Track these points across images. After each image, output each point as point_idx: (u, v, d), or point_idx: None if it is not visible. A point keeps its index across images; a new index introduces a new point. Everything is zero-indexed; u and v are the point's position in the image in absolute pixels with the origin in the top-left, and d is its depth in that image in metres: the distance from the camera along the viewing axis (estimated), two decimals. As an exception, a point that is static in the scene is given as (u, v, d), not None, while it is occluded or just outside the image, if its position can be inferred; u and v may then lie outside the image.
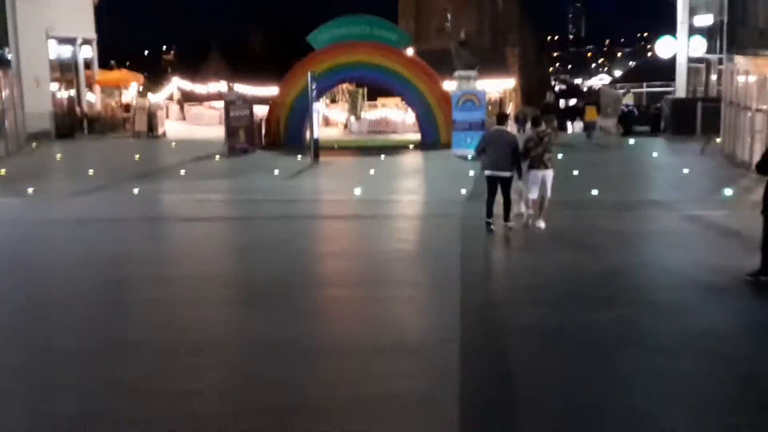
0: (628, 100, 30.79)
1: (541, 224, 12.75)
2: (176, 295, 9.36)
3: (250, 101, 27.46)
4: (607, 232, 12.95)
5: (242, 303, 9.03)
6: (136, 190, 18.30)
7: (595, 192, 16.42)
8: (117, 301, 9.17)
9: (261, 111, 29.69)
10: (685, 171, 20.24)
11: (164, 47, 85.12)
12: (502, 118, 13.91)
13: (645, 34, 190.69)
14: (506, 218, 12.64)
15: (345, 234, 13.73)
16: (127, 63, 42.62)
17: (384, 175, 20.67)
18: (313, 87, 24.04)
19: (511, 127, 34.08)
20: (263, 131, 28.85)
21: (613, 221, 13.93)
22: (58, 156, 26.70)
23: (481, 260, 10.98)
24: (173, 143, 31.18)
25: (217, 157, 25.61)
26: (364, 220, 14.75)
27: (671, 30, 34.95)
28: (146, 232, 13.94)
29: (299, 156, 24.53)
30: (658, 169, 22.09)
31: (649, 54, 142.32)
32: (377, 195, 17.20)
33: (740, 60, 21.15)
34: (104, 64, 39.61)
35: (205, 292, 9.49)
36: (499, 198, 12.71)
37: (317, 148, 24.08)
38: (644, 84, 37.63)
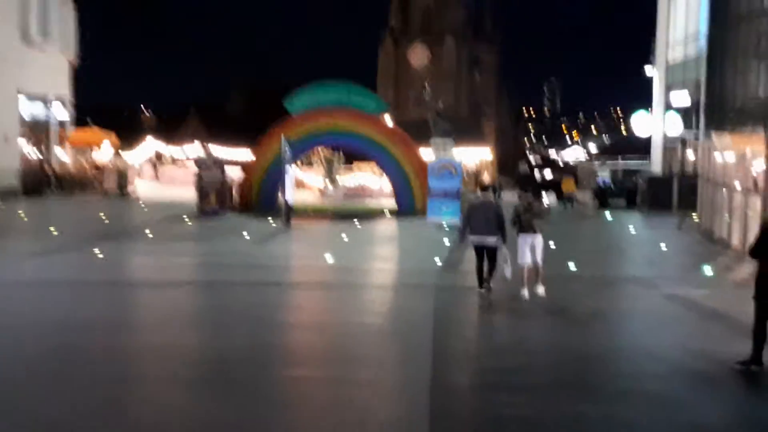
0: (604, 174, 30.68)
1: (540, 290, 12.47)
2: (122, 370, 8.52)
3: (221, 163, 26.93)
4: (588, 309, 12.32)
5: (197, 381, 8.19)
6: (98, 252, 17.49)
7: (572, 266, 15.91)
8: (55, 375, 8.29)
9: (237, 173, 29.25)
10: (663, 247, 19.84)
11: (142, 107, 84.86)
12: (485, 187, 14.36)
13: (618, 109, 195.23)
14: (487, 280, 12.66)
15: (313, 304, 12.99)
16: (102, 122, 41.81)
17: (357, 242, 20.21)
18: (287, 151, 23.54)
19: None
20: (237, 194, 28.28)
21: (594, 298, 13.38)
22: (22, 214, 25.81)
23: (455, 336, 10.25)
24: (142, 203, 30.47)
25: (187, 218, 25.02)
26: (334, 289, 14.13)
27: (646, 105, 35.02)
28: (103, 297, 13.04)
29: (271, 220, 24.02)
30: (635, 244, 21.72)
31: (623, 129, 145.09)
32: (349, 262, 16.72)
33: (718, 137, 20.99)
34: (80, 123, 39.04)
35: (155, 366, 8.68)
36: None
37: (290, 213, 23.61)
38: (619, 158, 37.59)
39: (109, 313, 11.64)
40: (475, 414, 7.17)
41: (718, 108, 21.10)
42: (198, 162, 27.05)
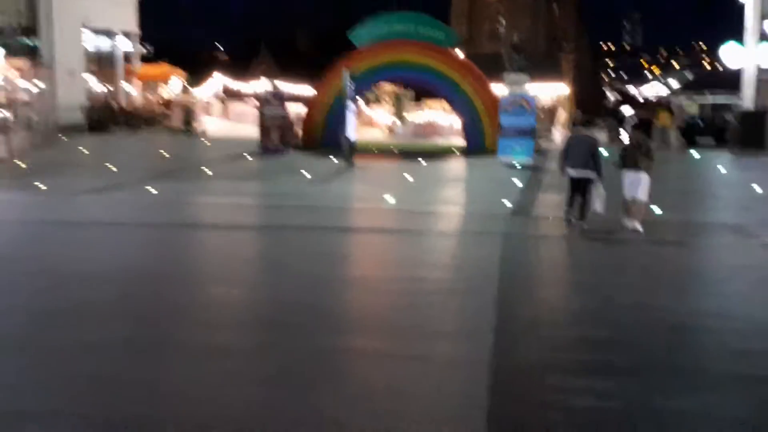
0: (692, 110, 28.22)
1: (636, 225, 12.54)
2: (148, 334, 7.39)
3: (284, 99, 25.81)
4: (679, 265, 10.68)
5: (233, 349, 6.99)
6: (153, 190, 16.77)
7: (658, 211, 14.25)
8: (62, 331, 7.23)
9: (301, 110, 28.29)
10: (758, 189, 17.83)
11: (214, 45, 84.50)
12: (584, 123, 14.77)
13: (701, 43, 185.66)
14: (582, 217, 12.73)
15: (368, 254, 11.65)
16: (171, 58, 41.22)
17: (422, 183, 18.94)
18: (351, 86, 22.17)
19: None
20: (301, 131, 27.36)
21: (684, 250, 11.77)
22: (86, 151, 25.30)
23: (523, 298, 8.74)
24: (206, 140, 29.76)
25: (249, 156, 24.29)
26: (392, 235, 12.85)
27: (736, 36, 32.14)
28: (143, 240, 12.10)
29: (334, 158, 22.96)
30: (727, 186, 19.68)
31: (707, 63, 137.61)
32: (411, 205, 15.46)
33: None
34: (148, 58, 38.39)
35: (185, 332, 7.53)
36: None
37: (353, 151, 22.41)
38: (707, 93, 34.71)
39: (146, 260, 10.60)
40: (540, 404, 5.68)
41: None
42: (259, 98, 25.83)
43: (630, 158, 12.65)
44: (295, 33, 79.75)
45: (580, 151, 12.70)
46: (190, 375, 6.22)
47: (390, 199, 15.57)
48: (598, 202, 12.59)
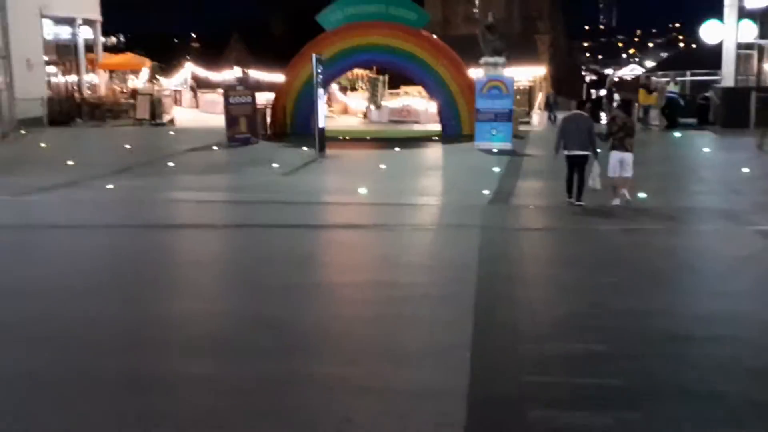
0: (674, 88, 27.35)
1: (625, 196, 13.23)
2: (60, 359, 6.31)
3: (252, 87, 24.67)
4: (673, 259, 9.75)
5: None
6: (110, 186, 15.75)
7: (643, 195, 13.61)
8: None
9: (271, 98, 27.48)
10: (745, 170, 17.11)
11: (186, 32, 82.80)
12: (580, 104, 16.60)
13: (677, 25, 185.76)
14: (578, 197, 13.19)
15: (336, 255, 10.58)
16: (139, 47, 40.02)
17: (396, 172, 18.03)
18: (319, 71, 21.11)
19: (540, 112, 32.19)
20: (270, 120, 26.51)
21: (677, 240, 10.88)
22: (44, 145, 24.04)
23: (504, 305, 7.69)
24: (172, 132, 28.71)
25: (215, 147, 23.31)
26: (363, 231, 11.84)
27: (714, 15, 31.49)
28: (91, 244, 10.97)
29: (304, 148, 22.00)
30: (712, 168, 18.85)
31: (682, 45, 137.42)
32: (385, 197, 14.65)
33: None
34: (114, 48, 37.00)
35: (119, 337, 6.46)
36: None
37: (323, 140, 21.36)
38: (688, 73, 33.92)
39: (88, 269, 9.49)
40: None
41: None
42: (226, 87, 24.66)
43: (617, 139, 13.24)
44: (269, 17, 78.12)
45: (576, 131, 13.25)
46: (101, 418, 5.14)
47: (363, 190, 14.82)
48: (595, 179, 13.15)
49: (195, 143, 24.14)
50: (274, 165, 18.92)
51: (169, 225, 12.38)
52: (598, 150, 13.23)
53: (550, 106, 34.39)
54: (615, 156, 13.22)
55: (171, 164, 19.39)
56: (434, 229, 12.17)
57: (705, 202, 14.02)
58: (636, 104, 26.93)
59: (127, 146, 23.44)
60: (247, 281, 8.84)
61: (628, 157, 13.24)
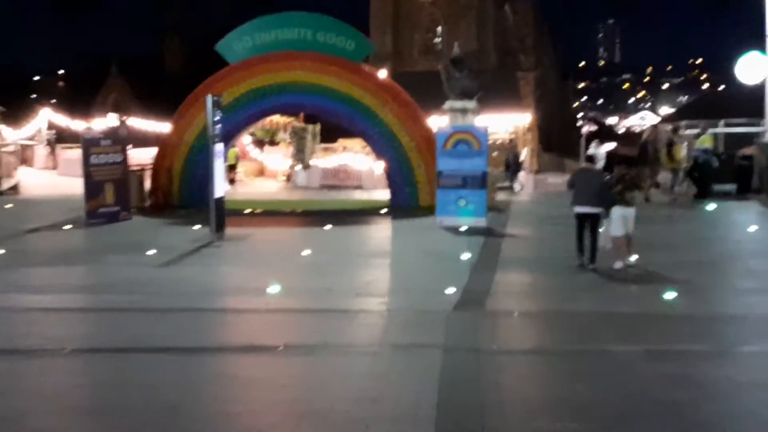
0: (706, 143, 27.27)
1: (633, 258, 15.83)
2: None
3: (125, 141, 24.13)
4: (728, 400, 8.96)
5: None
6: None
7: (672, 295, 13.36)
8: None
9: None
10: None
11: (48, 68, 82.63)
12: (590, 159, 19.22)
13: (699, 60, 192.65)
14: (592, 260, 15.90)
15: (222, 404, 9.41)
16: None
17: (324, 261, 17.93)
18: (217, 119, 20.98)
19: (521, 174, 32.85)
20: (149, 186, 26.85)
21: (728, 369, 10.05)
22: None
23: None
24: (11, 204, 28.57)
25: (69, 227, 23.11)
26: (268, 359, 11.08)
27: (752, 46, 32.03)
28: None
29: (196, 226, 22.14)
30: (764, 255, 18.39)
31: (706, 85, 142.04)
32: (304, 299, 14.39)
33: None
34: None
35: None
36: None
37: (222, 215, 21.15)
38: (720, 123, 34.13)
39: None
40: None
41: None
42: (86, 140, 23.95)
43: (617, 193, 15.80)
44: (161, 47, 78.30)
45: (586, 186, 15.87)
46: None
47: (274, 289, 14.50)
48: (606, 238, 15.88)
49: (43, 220, 24.14)
50: (150, 252, 18.72)
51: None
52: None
53: (509, 168, 34.39)
54: (617, 212, 15.70)
55: (0, 251, 18.97)
56: (374, 352, 11.26)
57: (762, 307, 13.43)
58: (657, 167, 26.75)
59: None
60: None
61: (631, 212, 15.84)
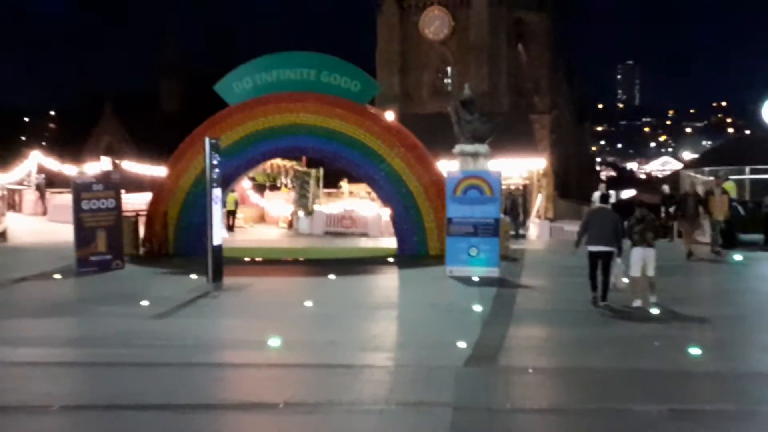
0: (730, 191, 27.27)
1: (653, 298, 17.05)
2: None
3: (117, 186, 24.24)
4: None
5: None
6: None
7: (697, 351, 13.45)
8: None
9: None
10: None
11: (34, 108, 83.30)
12: (604, 198, 19.70)
13: (723, 104, 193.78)
14: (603, 297, 17.24)
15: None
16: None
17: (328, 313, 18.11)
18: (215, 162, 21.34)
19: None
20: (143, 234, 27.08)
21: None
22: None
23: None
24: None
25: (58, 276, 23.18)
26: (268, 415, 11.13)
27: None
28: None
29: (193, 275, 22.33)
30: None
31: (730, 130, 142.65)
32: (306, 353, 14.45)
33: None
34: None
35: None
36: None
37: (220, 264, 21.48)
38: (747, 169, 34.34)
39: None
40: None
41: None
42: (76, 185, 23.96)
43: (636, 233, 17.26)
44: (158, 86, 78.91)
45: (601, 226, 17.23)
46: None
47: (274, 343, 14.63)
48: (618, 277, 17.05)
49: (31, 268, 24.21)
50: (144, 302, 18.82)
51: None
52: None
53: (510, 212, 33.92)
54: (637, 253, 17.19)
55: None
56: (380, 410, 11.28)
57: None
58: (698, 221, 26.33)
59: None
60: None
61: (651, 253, 17.20)
